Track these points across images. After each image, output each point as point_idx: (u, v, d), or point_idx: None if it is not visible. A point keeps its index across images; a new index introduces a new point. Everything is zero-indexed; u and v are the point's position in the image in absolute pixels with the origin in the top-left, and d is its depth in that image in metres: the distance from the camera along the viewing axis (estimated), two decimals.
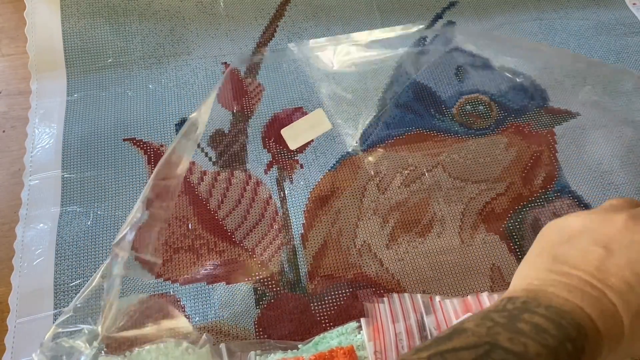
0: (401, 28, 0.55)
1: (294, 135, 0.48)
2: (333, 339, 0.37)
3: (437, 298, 0.38)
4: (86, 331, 0.36)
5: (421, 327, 0.37)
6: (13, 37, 0.53)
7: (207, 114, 0.47)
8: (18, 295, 0.40)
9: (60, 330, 0.37)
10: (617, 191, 0.46)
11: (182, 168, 0.44)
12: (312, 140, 0.48)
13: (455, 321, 0.36)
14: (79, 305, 0.38)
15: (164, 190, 0.43)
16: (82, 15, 0.53)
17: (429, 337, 0.36)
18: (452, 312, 0.37)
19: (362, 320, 0.37)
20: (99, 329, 0.36)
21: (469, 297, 0.38)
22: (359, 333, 0.36)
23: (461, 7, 0.58)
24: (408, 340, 0.36)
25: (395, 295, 0.39)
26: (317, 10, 0.57)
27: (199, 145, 0.47)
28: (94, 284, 0.38)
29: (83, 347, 0.35)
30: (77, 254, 0.41)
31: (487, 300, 0.38)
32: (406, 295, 0.39)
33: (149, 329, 0.37)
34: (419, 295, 0.39)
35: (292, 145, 0.47)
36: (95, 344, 0.36)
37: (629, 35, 0.57)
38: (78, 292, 0.39)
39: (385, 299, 0.39)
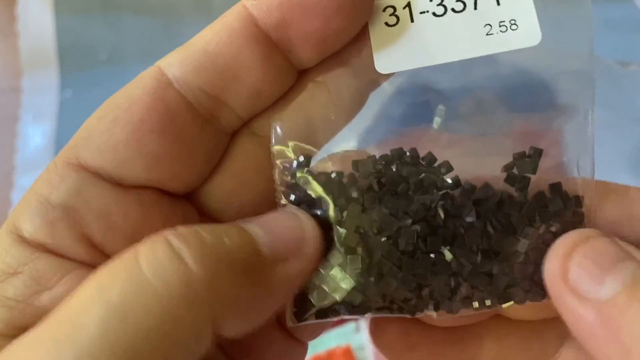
0: None
1: None
2: (331, 339, 0.36)
3: None
4: None
5: None
6: (4, 33, 0.52)
7: None
8: None
9: None
10: None
11: None
12: None
13: None
14: None
15: None
16: (76, 11, 0.53)
17: None
18: None
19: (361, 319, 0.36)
20: None
21: None
22: (358, 332, 0.36)
23: None
24: None
25: None
26: None
27: None
28: None
29: None
30: None
31: None
32: None
33: None
34: None
35: None
36: None
37: (637, 32, 0.56)
38: None
39: None
